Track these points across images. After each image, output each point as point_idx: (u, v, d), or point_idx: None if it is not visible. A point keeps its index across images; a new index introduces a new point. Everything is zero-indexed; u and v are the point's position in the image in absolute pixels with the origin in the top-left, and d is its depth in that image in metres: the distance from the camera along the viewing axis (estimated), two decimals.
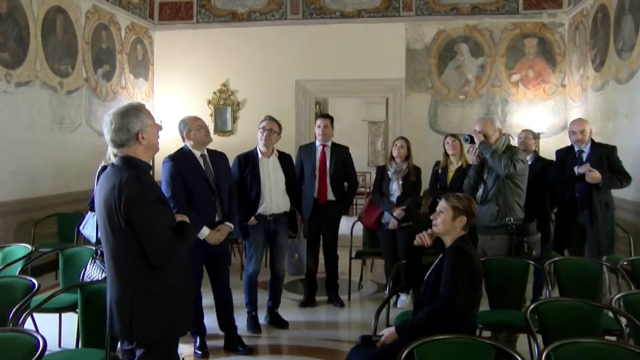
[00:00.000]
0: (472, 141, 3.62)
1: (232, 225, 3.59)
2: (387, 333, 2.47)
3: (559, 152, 4.46)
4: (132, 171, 2.05)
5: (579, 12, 6.58)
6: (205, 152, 3.57)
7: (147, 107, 5.74)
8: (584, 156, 4.15)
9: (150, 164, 2.26)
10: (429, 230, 2.70)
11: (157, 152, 2.25)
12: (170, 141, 5.79)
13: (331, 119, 4.76)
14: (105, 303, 2.20)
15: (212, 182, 3.50)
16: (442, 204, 2.58)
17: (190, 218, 3.23)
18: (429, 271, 2.60)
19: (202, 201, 3.44)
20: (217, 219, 3.52)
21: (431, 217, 2.62)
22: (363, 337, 2.54)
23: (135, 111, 2.12)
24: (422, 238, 2.70)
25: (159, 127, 2.21)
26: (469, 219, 2.55)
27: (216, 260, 3.62)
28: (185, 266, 2.23)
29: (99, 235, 2.24)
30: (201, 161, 3.51)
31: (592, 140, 4.20)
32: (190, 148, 3.51)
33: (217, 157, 3.63)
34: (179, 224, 2.19)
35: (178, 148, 3.59)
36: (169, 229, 2.09)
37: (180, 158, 3.46)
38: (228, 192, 3.59)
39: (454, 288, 2.37)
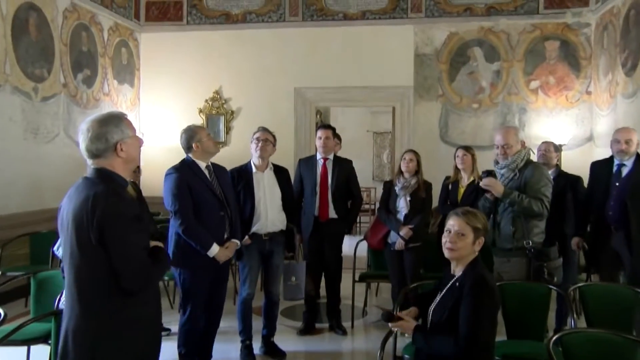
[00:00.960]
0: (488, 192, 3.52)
1: (238, 242, 3.66)
2: (408, 325, 2.41)
3: (595, 166, 4.30)
4: (108, 185, 2.03)
5: (608, 10, 6.53)
6: (210, 164, 3.63)
7: (132, 115, 5.75)
8: (625, 171, 4.02)
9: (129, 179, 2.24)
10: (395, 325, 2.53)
11: (135, 167, 2.24)
12: (159, 154, 5.81)
13: (333, 129, 4.79)
14: (60, 331, 2.13)
15: (219, 195, 3.55)
16: (459, 224, 2.42)
17: (199, 234, 3.41)
18: (439, 299, 2.51)
19: (210, 216, 3.49)
20: (225, 235, 3.57)
21: (445, 239, 2.47)
22: (387, 314, 2.50)
23: (116, 120, 2.11)
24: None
25: (141, 141, 2.21)
26: (485, 239, 2.49)
27: (219, 282, 3.66)
28: (157, 293, 2.23)
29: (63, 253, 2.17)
30: (206, 173, 3.56)
31: (638, 154, 4.04)
32: (194, 159, 3.55)
33: (219, 169, 3.70)
34: (153, 248, 2.16)
35: (179, 160, 3.62)
36: (145, 250, 2.07)
37: (186, 169, 3.50)
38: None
39: (478, 329, 2.29)
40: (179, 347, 3.54)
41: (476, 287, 2.32)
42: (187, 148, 3.56)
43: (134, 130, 2.16)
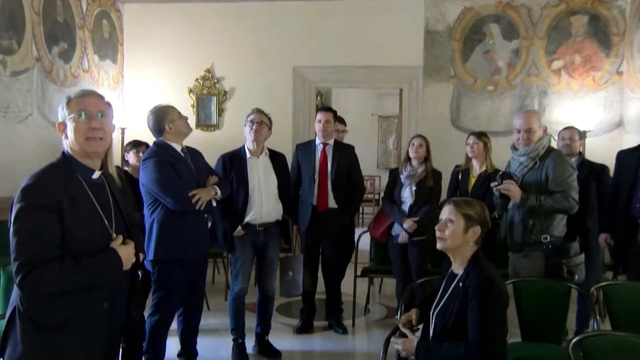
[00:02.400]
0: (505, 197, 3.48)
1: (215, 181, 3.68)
2: (410, 345, 2.42)
3: (622, 154, 4.24)
4: (51, 165, 2.05)
5: None
6: (184, 147, 3.64)
7: (115, 94, 5.72)
8: None
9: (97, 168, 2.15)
10: (399, 335, 2.59)
11: (92, 152, 2.09)
12: (145, 137, 5.70)
13: (334, 113, 4.78)
14: None
15: (198, 180, 3.58)
16: (449, 211, 2.45)
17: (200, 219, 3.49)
18: (440, 301, 2.49)
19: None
20: (209, 223, 3.66)
21: (436, 227, 2.49)
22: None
23: (65, 99, 2.11)
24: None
25: (89, 124, 2.05)
26: (482, 230, 2.45)
27: (200, 275, 3.73)
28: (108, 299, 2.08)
29: None
30: (182, 155, 3.59)
31: None
32: (169, 142, 3.54)
33: (195, 153, 3.72)
34: (106, 248, 2.04)
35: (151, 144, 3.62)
36: (47, 244, 1.90)
37: (164, 152, 3.49)
38: None
39: (488, 333, 2.28)
40: (144, 352, 3.48)
41: (482, 288, 2.31)
42: (158, 131, 3.54)
43: (82, 110, 2.05)
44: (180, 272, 3.47)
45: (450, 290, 2.45)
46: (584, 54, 6.98)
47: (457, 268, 2.47)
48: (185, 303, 3.67)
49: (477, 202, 2.52)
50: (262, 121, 4.07)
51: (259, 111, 4.14)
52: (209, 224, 3.67)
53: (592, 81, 6.98)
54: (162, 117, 3.52)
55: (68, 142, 2.08)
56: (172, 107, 3.61)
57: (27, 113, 5.93)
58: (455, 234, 2.41)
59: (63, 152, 2.10)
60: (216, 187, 3.61)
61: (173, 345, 3.82)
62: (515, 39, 7.10)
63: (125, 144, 5.43)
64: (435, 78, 7.27)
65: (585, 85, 6.99)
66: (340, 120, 5.28)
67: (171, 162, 3.44)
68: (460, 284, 2.39)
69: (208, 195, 3.53)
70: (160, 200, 3.41)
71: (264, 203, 4.05)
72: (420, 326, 2.63)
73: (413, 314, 2.66)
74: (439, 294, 2.53)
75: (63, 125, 2.08)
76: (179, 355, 3.82)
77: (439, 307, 2.47)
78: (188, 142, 3.76)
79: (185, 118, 3.63)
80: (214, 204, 3.62)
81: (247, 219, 4.01)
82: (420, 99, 7.31)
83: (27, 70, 5.89)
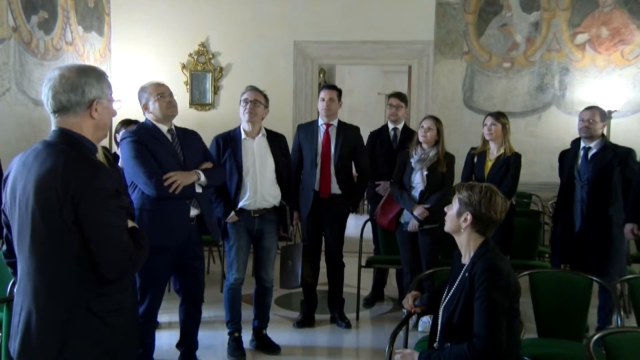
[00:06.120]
0: None
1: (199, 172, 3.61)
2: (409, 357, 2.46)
3: None
4: (79, 151, 1.99)
5: None
6: (173, 128, 3.62)
7: (102, 69, 5.67)
8: None
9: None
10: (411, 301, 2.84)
11: (106, 136, 2.20)
12: (135, 116, 5.73)
13: (338, 91, 4.77)
14: (10, 326, 2.08)
15: (181, 162, 3.56)
16: (455, 194, 2.56)
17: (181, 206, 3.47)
18: (448, 294, 2.51)
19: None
20: (192, 212, 3.57)
21: (445, 208, 2.59)
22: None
23: (97, 74, 2.09)
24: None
25: (114, 112, 2.18)
26: (477, 220, 2.43)
27: (192, 264, 3.67)
28: (133, 278, 2.25)
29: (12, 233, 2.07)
30: (169, 137, 3.58)
31: None
32: (154, 122, 3.56)
33: (187, 135, 3.70)
34: (130, 229, 2.12)
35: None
36: (127, 232, 2.04)
37: (143, 133, 3.50)
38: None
39: (495, 325, 2.28)
40: None
41: (488, 276, 2.33)
42: (143, 111, 3.57)
43: (111, 91, 2.14)
44: (160, 260, 3.40)
45: (457, 282, 2.48)
46: (612, 26, 6.88)
47: (465, 258, 2.50)
48: (184, 293, 3.70)
49: (482, 188, 2.48)
50: (256, 100, 4.04)
51: (253, 89, 4.11)
52: (197, 211, 3.59)
53: (620, 56, 6.90)
54: (139, 97, 3.57)
55: (93, 121, 2.09)
56: (156, 85, 3.57)
57: (5, 88, 5.83)
58: (450, 217, 2.52)
59: (69, 132, 2.06)
60: (200, 171, 3.54)
61: (174, 336, 3.87)
62: (535, 11, 7.03)
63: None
64: (446, 54, 7.23)
65: (613, 60, 6.91)
66: (397, 95, 5.35)
67: (147, 144, 3.43)
68: (466, 274, 2.41)
69: (187, 179, 3.46)
70: (136, 183, 3.45)
71: (258, 187, 4.04)
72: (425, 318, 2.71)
73: (410, 297, 2.83)
74: (447, 287, 2.56)
75: (98, 103, 2.10)
76: (177, 345, 3.84)
77: (446, 300, 2.50)
78: (182, 122, 3.74)
79: (169, 99, 3.55)
80: (199, 189, 3.56)
81: (241, 204, 4.01)
82: (431, 77, 7.29)
83: (3, 41, 5.76)
